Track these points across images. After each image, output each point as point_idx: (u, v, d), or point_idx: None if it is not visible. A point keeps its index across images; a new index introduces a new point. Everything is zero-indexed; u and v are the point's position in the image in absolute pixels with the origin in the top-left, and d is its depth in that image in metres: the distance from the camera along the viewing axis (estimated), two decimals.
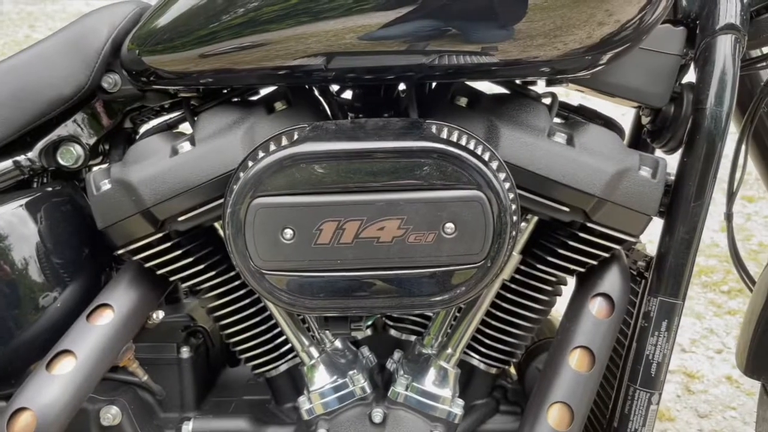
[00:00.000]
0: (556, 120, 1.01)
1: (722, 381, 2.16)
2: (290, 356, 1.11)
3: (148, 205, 0.94)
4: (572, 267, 1.01)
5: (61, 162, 1.07)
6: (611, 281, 1.01)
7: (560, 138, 0.94)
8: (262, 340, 1.09)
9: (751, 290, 1.19)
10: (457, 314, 1.08)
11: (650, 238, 1.02)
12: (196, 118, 0.98)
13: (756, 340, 1.11)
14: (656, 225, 0.99)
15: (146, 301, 1.03)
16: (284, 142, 0.85)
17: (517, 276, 1.05)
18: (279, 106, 0.97)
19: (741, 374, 1.99)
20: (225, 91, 1.04)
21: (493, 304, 1.06)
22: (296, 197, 0.83)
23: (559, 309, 1.07)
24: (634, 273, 1.07)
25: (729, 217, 1.22)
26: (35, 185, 1.08)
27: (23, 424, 0.91)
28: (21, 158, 1.04)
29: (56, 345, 0.97)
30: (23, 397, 0.93)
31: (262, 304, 1.08)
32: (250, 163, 0.84)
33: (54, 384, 0.94)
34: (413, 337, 1.16)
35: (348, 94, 1.16)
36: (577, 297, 1.03)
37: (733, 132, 1.06)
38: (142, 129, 1.17)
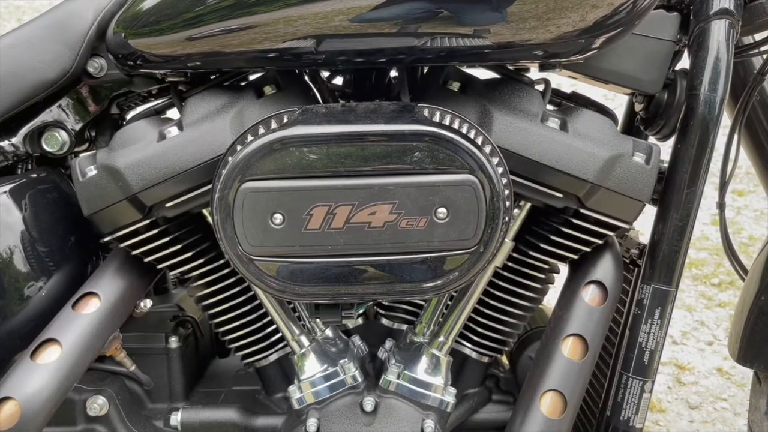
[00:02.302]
0: (549, 106, 1.01)
1: (713, 373, 2.16)
2: (280, 345, 1.10)
3: (135, 191, 0.92)
4: (565, 254, 1.00)
5: (46, 148, 1.05)
6: (604, 269, 1.00)
7: (553, 123, 0.93)
8: (252, 329, 1.08)
9: (742, 279, 1.18)
10: (449, 302, 1.07)
11: (642, 230, 1.01)
12: (183, 103, 0.97)
13: (748, 329, 1.11)
14: (648, 216, 0.99)
15: (134, 289, 1.02)
16: (274, 125, 0.84)
17: (510, 263, 1.04)
18: (268, 90, 0.95)
19: (732, 366, 2.00)
20: (213, 76, 1.02)
21: (486, 292, 1.05)
22: (286, 181, 0.81)
23: (550, 300, 1.06)
24: (627, 261, 1.06)
25: (721, 206, 1.22)
26: (19, 171, 1.06)
27: (7, 414, 0.90)
28: (5, 144, 1.02)
29: (41, 334, 0.96)
30: (7, 386, 0.91)
31: (251, 293, 1.06)
32: (239, 147, 0.83)
33: (39, 373, 0.92)
34: (405, 326, 1.15)
35: (339, 80, 1.15)
36: (570, 285, 1.02)
37: (724, 125, 1.06)
38: (129, 115, 1.15)
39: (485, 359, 1.11)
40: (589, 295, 0.99)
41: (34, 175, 1.04)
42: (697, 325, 2.44)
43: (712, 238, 3.07)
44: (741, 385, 2.08)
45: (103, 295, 0.98)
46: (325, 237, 0.82)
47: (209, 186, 0.90)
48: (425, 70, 1.05)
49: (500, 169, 0.83)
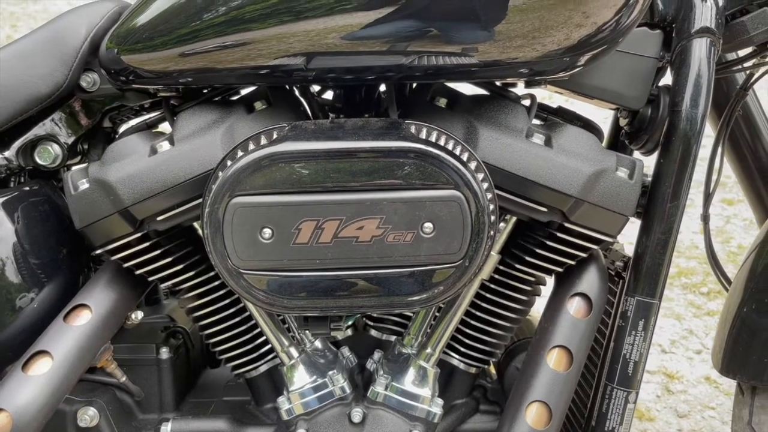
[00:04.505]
0: (535, 121, 1.02)
1: (701, 381, 2.18)
2: (270, 357, 1.10)
3: (127, 204, 0.93)
4: (550, 267, 1.02)
5: (39, 161, 1.06)
6: (589, 281, 1.02)
7: (538, 139, 0.95)
8: (242, 341, 1.08)
9: (727, 290, 1.20)
10: (437, 314, 1.08)
11: (629, 240, 1.03)
12: (175, 118, 0.98)
13: (732, 340, 1.12)
14: (634, 226, 1.00)
15: (124, 301, 1.03)
16: (263, 141, 0.85)
17: (496, 276, 1.05)
18: (259, 105, 0.97)
19: (720, 375, 2.01)
20: (205, 90, 1.04)
21: (473, 304, 1.07)
22: (275, 197, 0.83)
23: (538, 309, 1.08)
24: (612, 273, 1.08)
25: (706, 218, 1.24)
26: (12, 184, 1.07)
27: None
28: None
29: (32, 345, 0.96)
30: None
31: (241, 305, 1.07)
32: (229, 162, 0.84)
33: (30, 385, 0.93)
34: (393, 337, 1.16)
35: (329, 95, 1.16)
36: (555, 297, 1.04)
37: (710, 135, 1.08)
38: (122, 128, 1.16)
39: (473, 370, 1.12)
40: (574, 307, 1.01)
41: (27, 188, 1.05)
42: (686, 333, 2.45)
43: (702, 248, 3.08)
44: (729, 393, 2.09)
45: (94, 306, 0.99)
46: (314, 251, 0.84)
47: (200, 200, 0.91)
48: (413, 87, 1.06)
49: (485, 185, 0.85)
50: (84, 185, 0.95)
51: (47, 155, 1.06)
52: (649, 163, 0.98)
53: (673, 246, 0.98)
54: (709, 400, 2.09)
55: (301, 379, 1.05)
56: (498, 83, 1.02)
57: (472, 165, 0.85)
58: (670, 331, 2.45)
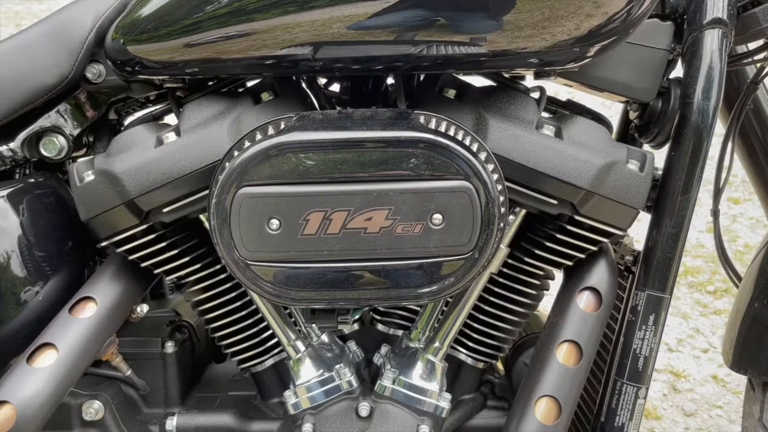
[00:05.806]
0: (545, 114, 1.01)
1: (708, 380, 2.17)
2: (276, 350, 1.10)
3: (132, 196, 0.93)
4: (560, 260, 1.01)
5: (44, 153, 1.05)
6: (599, 275, 1.01)
7: (548, 130, 0.94)
8: (248, 335, 1.08)
9: (736, 286, 1.19)
10: (445, 308, 1.07)
11: (637, 238, 1.02)
12: (181, 109, 0.97)
13: (742, 336, 1.11)
14: (641, 224, 0.99)
15: (130, 294, 1.02)
16: (271, 131, 0.84)
17: (505, 269, 1.04)
18: (266, 96, 0.96)
19: (727, 373, 2.01)
20: (211, 82, 1.03)
21: (481, 298, 1.06)
22: (282, 187, 0.82)
23: (546, 305, 1.07)
24: (622, 267, 1.07)
25: (716, 213, 1.22)
26: (17, 176, 1.06)
27: (3, 418, 0.90)
28: (3, 149, 1.03)
29: (38, 338, 0.96)
30: (3, 390, 0.91)
31: (248, 298, 1.06)
32: (236, 153, 0.83)
33: (35, 377, 0.92)
34: (400, 331, 1.15)
35: (336, 86, 1.15)
36: (564, 291, 1.03)
37: (719, 134, 1.06)
38: (127, 120, 1.15)
39: (480, 365, 1.12)
40: (583, 301, 1.00)
41: (32, 180, 1.05)
42: (693, 332, 2.44)
43: (708, 246, 3.07)
44: (736, 392, 2.08)
45: (99, 299, 0.98)
46: (322, 242, 0.83)
47: (206, 191, 0.90)
48: (421, 77, 1.05)
49: (495, 176, 0.84)
50: (89, 177, 0.94)
51: (52, 147, 1.05)
52: (659, 156, 0.97)
53: (684, 240, 0.97)
54: (717, 398, 2.07)
55: (307, 372, 1.05)
56: (507, 75, 1.01)
57: (482, 156, 0.84)
58: (677, 329, 2.44)
